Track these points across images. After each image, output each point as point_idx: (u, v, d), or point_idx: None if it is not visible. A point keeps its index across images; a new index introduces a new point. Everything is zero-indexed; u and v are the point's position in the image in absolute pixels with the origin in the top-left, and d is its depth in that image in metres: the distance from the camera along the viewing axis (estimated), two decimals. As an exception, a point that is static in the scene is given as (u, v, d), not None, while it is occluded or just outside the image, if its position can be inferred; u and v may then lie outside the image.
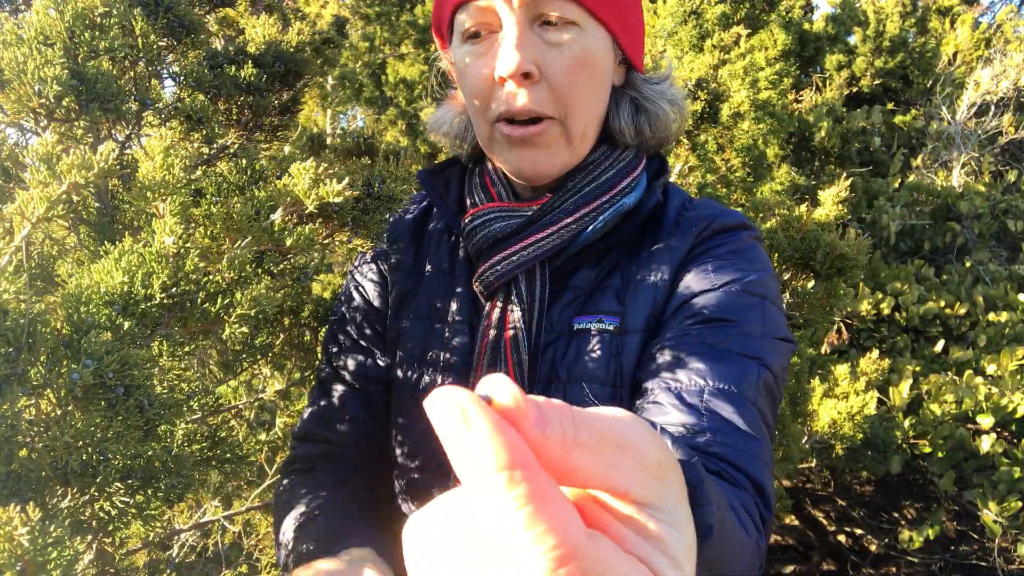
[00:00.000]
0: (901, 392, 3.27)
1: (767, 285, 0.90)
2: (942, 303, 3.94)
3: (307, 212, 0.69)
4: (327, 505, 0.92)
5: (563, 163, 0.92)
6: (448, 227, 1.04)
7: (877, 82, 5.91)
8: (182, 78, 1.04)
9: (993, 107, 5.78)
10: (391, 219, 1.07)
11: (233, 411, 1.56)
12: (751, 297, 0.87)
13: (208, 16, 1.33)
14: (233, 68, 1.08)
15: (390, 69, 5.82)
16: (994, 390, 3.22)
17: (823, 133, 4.93)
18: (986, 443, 3.13)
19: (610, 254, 0.95)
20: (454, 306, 0.98)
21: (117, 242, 0.78)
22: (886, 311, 3.89)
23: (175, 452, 0.88)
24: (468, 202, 0.99)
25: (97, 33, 0.82)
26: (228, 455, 1.36)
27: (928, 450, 3.19)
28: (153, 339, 0.71)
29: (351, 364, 1.04)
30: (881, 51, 5.86)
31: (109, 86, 0.80)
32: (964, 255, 4.81)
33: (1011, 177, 5.47)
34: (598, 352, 0.89)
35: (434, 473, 0.94)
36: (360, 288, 1.07)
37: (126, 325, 0.66)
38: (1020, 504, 2.97)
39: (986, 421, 3.15)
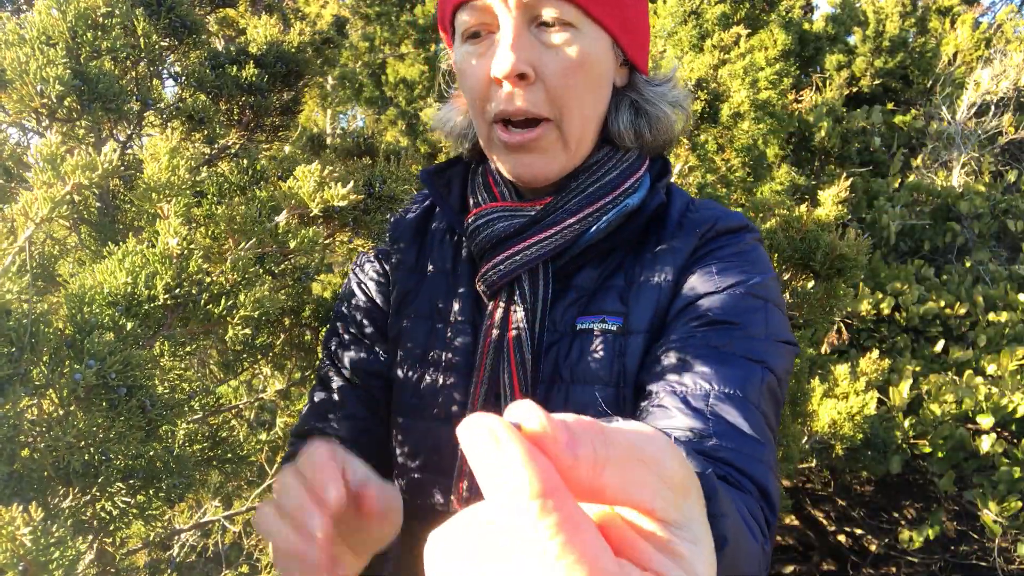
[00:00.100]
0: (901, 392, 3.27)
1: (770, 288, 0.90)
2: (942, 303, 3.95)
3: (311, 215, 0.69)
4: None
5: (560, 167, 0.92)
6: (451, 227, 1.04)
7: (877, 82, 5.91)
8: (184, 78, 1.04)
9: (993, 107, 5.78)
10: (392, 219, 1.07)
11: (234, 411, 1.57)
12: (755, 300, 0.87)
13: (209, 16, 1.33)
14: (235, 68, 1.08)
15: (390, 69, 5.83)
16: (994, 390, 3.22)
17: (823, 133, 4.93)
18: (986, 443, 3.13)
19: (613, 254, 0.95)
20: (456, 306, 0.98)
21: (118, 242, 0.78)
22: (886, 311, 3.90)
23: (176, 452, 0.88)
24: (471, 202, 0.99)
25: (99, 33, 0.82)
26: (229, 455, 1.36)
27: (928, 450, 3.19)
28: (155, 340, 0.71)
29: (352, 360, 1.04)
30: (881, 51, 5.86)
31: (111, 86, 0.80)
32: (964, 255, 4.81)
33: (1011, 177, 5.47)
34: (601, 352, 0.89)
35: (434, 473, 0.94)
36: (362, 285, 1.07)
37: (129, 325, 0.66)
38: (1020, 504, 2.97)
39: (986, 421, 3.15)
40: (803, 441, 2.66)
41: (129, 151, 1.01)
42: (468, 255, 1.00)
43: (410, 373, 0.99)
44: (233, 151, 1.14)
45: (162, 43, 0.98)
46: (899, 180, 5.32)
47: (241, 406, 1.58)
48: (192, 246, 0.66)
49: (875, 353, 2.90)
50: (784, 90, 3.94)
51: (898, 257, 4.88)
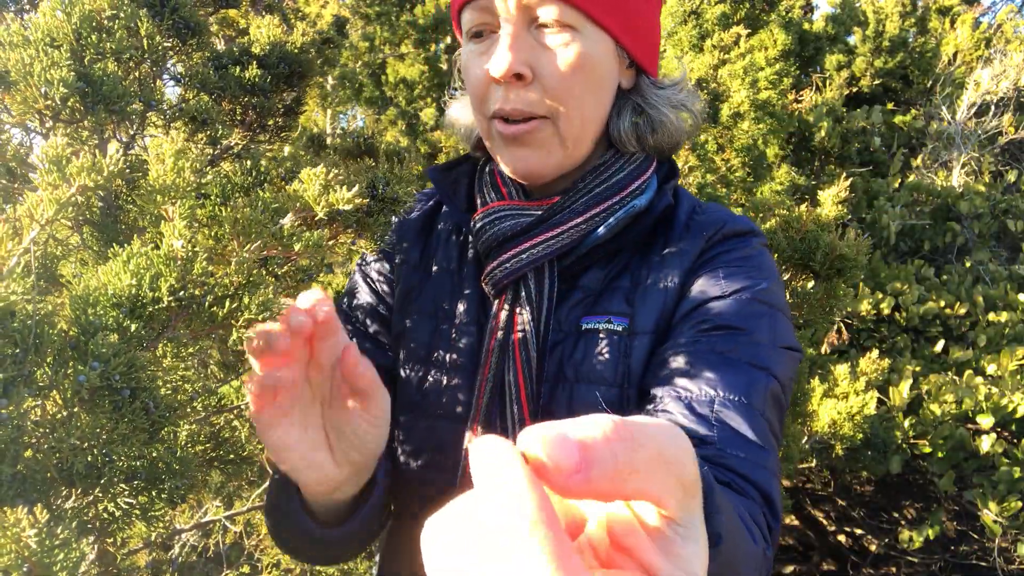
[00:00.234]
0: (901, 392, 3.27)
1: (776, 294, 0.90)
2: (942, 303, 3.95)
3: (317, 218, 0.69)
4: None
5: (556, 163, 0.92)
6: (456, 226, 1.04)
7: (877, 82, 5.92)
8: (187, 79, 1.04)
9: (993, 107, 5.78)
10: (396, 221, 1.07)
11: (235, 412, 1.56)
12: (761, 305, 0.87)
13: (211, 17, 1.33)
14: (238, 69, 1.08)
15: (390, 69, 5.83)
16: (994, 390, 3.23)
17: (823, 133, 4.94)
18: (986, 443, 3.14)
19: (620, 255, 0.95)
20: (461, 307, 0.98)
21: (121, 243, 0.77)
22: (886, 311, 3.90)
23: (179, 454, 0.88)
24: (478, 200, 1.00)
25: (104, 35, 0.82)
26: (231, 455, 1.36)
27: (928, 450, 3.20)
28: (159, 342, 0.71)
29: None
30: (881, 51, 5.86)
31: (115, 88, 0.80)
32: (964, 255, 4.82)
33: (1011, 177, 5.48)
34: (606, 353, 0.89)
35: (437, 471, 0.94)
36: (368, 279, 1.07)
37: (133, 327, 0.66)
38: (1020, 504, 2.98)
39: (986, 421, 3.15)
40: (803, 441, 2.67)
41: (132, 152, 1.01)
42: (474, 255, 1.00)
43: (413, 372, 0.99)
44: (236, 152, 1.14)
45: (165, 44, 0.98)
46: (899, 180, 5.32)
47: (242, 406, 1.58)
48: (196, 248, 0.66)
49: (875, 353, 2.90)
50: (784, 90, 3.94)
51: (898, 257, 4.89)
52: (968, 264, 4.64)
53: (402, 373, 1.00)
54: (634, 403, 0.87)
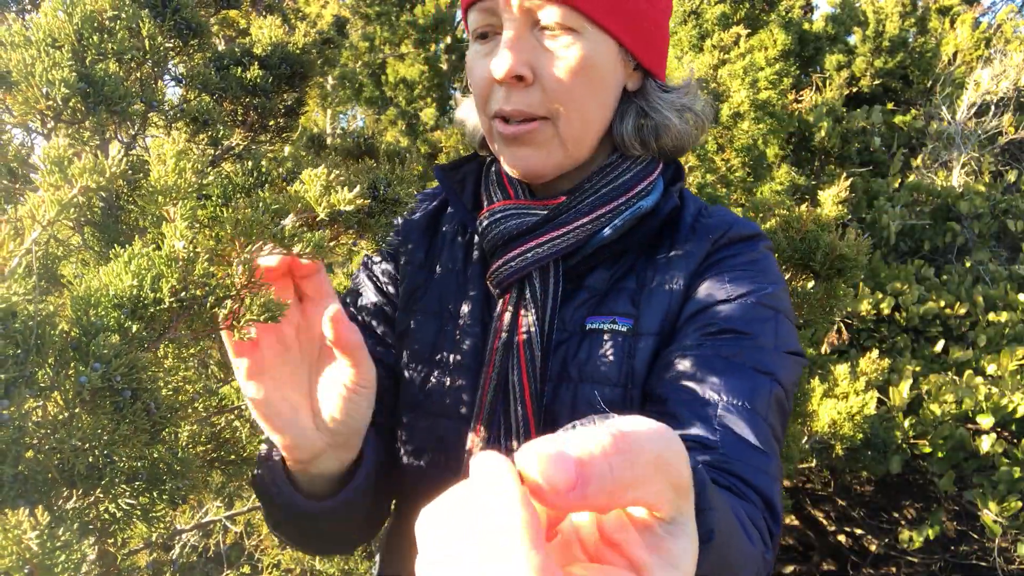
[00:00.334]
0: (901, 392, 3.27)
1: (781, 298, 0.90)
2: (942, 303, 3.95)
3: (318, 219, 0.69)
4: None
5: (556, 163, 0.92)
6: (462, 226, 1.04)
7: (877, 82, 5.92)
8: (188, 80, 1.04)
9: (993, 107, 5.79)
10: (400, 221, 1.07)
11: (236, 412, 1.56)
12: (765, 310, 0.88)
13: (212, 18, 1.33)
14: (239, 70, 1.08)
15: (390, 69, 5.83)
16: (994, 390, 3.23)
17: (823, 133, 4.94)
18: (986, 443, 3.14)
19: (625, 256, 0.95)
20: (466, 307, 0.98)
21: (122, 243, 0.77)
22: (886, 311, 3.90)
23: (181, 454, 0.88)
24: (484, 199, 1.00)
25: (105, 36, 0.82)
26: (232, 456, 1.37)
27: (928, 450, 3.20)
28: (161, 342, 0.71)
29: None
30: (881, 51, 5.86)
31: (116, 88, 0.80)
32: (964, 255, 4.82)
33: (1011, 177, 5.48)
34: (610, 353, 0.89)
35: (439, 469, 0.94)
36: (374, 278, 1.07)
37: (134, 328, 0.66)
38: (1020, 504, 2.98)
39: (986, 421, 3.16)
40: (803, 441, 2.67)
41: (133, 152, 1.01)
42: (479, 256, 1.00)
43: (417, 371, 0.99)
44: (237, 152, 1.14)
45: (167, 45, 0.97)
46: (899, 180, 5.33)
47: (243, 407, 1.58)
48: (198, 249, 0.66)
49: (875, 353, 2.90)
50: (784, 90, 3.94)
51: (898, 257, 4.89)
52: (968, 264, 4.64)
53: (406, 372, 1.00)
54: (637, 404, 0.87)
